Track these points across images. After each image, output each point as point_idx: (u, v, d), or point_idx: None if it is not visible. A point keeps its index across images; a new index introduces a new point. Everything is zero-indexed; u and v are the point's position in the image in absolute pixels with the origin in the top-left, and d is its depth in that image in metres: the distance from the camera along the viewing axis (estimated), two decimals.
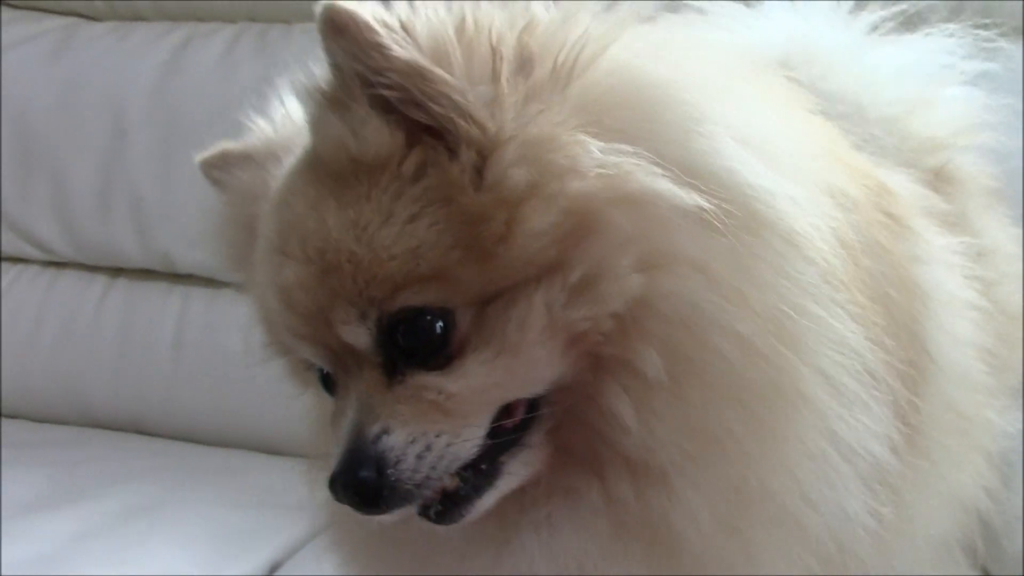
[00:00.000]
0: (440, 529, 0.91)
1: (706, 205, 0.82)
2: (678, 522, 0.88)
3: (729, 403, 0.86)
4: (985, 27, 1.31)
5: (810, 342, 0.86)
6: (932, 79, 1.27)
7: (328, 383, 0.94)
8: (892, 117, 1.19)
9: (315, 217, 0.87)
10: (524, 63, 0.86)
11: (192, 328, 2.14)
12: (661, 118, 0.86)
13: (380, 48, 0.84)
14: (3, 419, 2.24)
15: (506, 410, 0.89)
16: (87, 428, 2.19)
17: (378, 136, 0.86)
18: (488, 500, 0.90)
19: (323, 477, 0.89)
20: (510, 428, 0.89)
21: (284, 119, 1.06)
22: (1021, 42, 1.60)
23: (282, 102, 1.06)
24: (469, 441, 0.87)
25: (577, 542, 0.90)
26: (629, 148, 0.83)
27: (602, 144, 0.83)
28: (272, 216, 0.93)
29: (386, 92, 0.85)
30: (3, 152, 2.24)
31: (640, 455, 0.87)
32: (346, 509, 0.88)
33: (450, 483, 0.88)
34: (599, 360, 0.86)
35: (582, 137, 0.83)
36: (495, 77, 0.85)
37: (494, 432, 0.88)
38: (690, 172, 0.83)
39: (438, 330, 0.85)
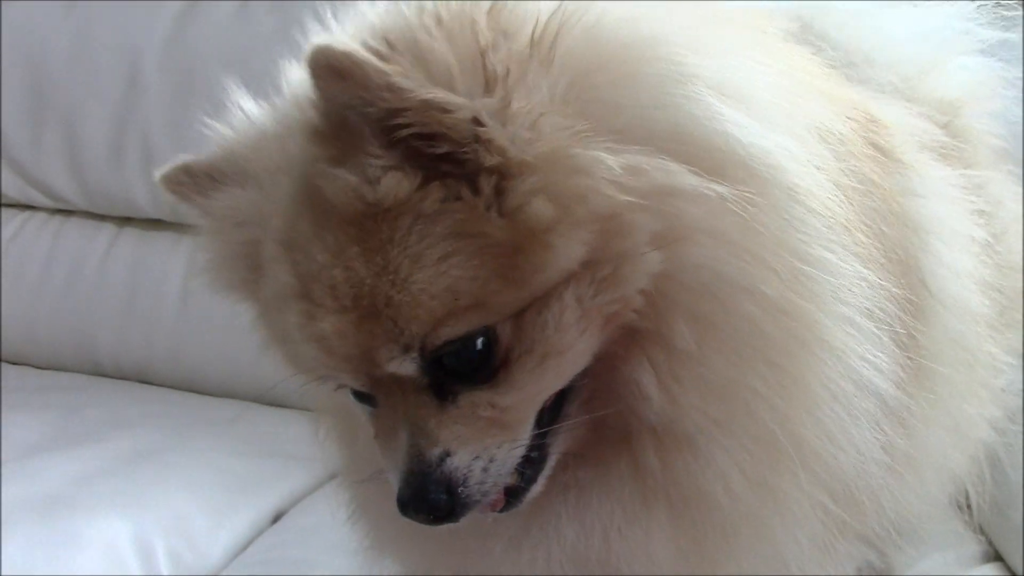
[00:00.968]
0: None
1: (720, 189, 0.82)
2: (709, 486, 0.90)
3: (755, 363, 0.87)
4: None
5: (827, 290, 0.87)
6: (948, 44, 1.27)
7: (363, 396, 0.94)
8: (904, 76, 1.19)
9: (341, 265, 0.84)
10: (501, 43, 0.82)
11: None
12: (644, 85, 0.84)
13: (392, 88, 0.78)
14: (7, 365, 2.24)
15: None
16: (92, 376, 2.20)
17: (395, 181, 0.82)
18: (541, 483, 0.93)
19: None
20: (549, 407, 0.91)
21: (244, 124, 0.99)
22: None
23: (239, 105, 1.00)
24: (525, 441, 0.89)
25: (603, 505, 0.93)
26: (636, 147, 0.82)
27: (612, 145, 0.82)
28: (283, 260, 0.89)
29: (401, 132, 0.80)
30: (15, 100, 2.23)
31: (663, 423, 0.89)
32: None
33: (511, 480, 0.91)
34: (632, 331, 0.87)
35: (596, 153, 0.81)
36: (490, 84, 0.82)
37: (537, 420, 0.90)
38: (684, 141, 0.83)
39: (481, 346, 0.85)
